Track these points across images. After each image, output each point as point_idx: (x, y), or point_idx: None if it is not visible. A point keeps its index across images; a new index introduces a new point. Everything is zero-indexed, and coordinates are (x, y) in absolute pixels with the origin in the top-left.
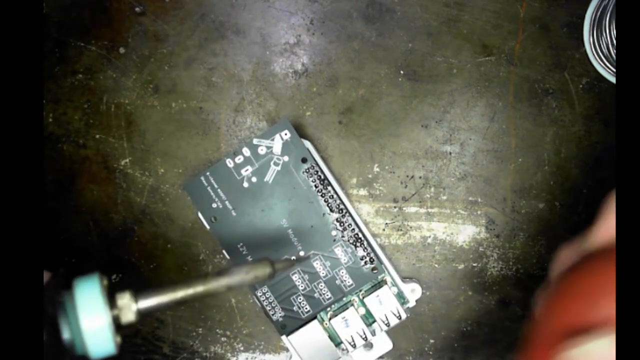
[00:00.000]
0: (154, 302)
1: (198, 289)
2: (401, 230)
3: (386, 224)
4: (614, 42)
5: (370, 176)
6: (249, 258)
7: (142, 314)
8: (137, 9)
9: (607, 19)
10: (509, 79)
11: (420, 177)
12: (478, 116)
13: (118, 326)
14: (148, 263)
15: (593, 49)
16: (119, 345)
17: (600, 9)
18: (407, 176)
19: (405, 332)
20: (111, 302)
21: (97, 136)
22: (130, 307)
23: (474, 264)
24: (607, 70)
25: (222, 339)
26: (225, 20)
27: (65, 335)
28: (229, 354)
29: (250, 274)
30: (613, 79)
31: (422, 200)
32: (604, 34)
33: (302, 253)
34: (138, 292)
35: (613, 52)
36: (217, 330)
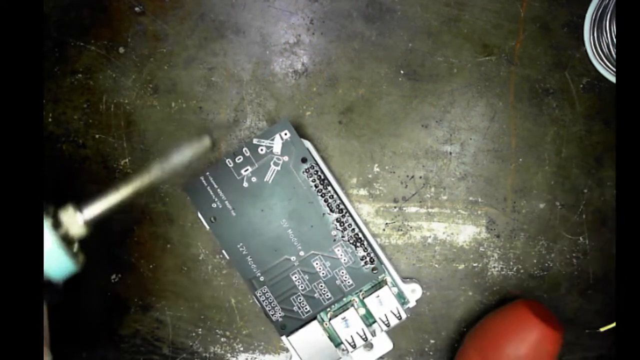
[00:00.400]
0: (98, 209)
1: (143, 181)
2: (401, 230)
3: (386, 224)
4: (615, 41)
5: (370, 176)
6: (249, 258)
7: (91, 224)
8: (136, 9)
9: (608, 18)
10: (510, 78)
11: (420, 177)
12: (478, 116)
13: (70, 241)
14: (148, 263)
15: (593, 49)
16: (80, 262)
17: (601, 9)
18: (408, 176)
19: (406, 333)
20: (55, 221)
21: (97, 136)
22: (76, 220)
23: (475, 264)
24: (607, 70)
25: (222, 339)
26: (225, 19)
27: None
28: (229, 355)
29: (188, 151)
30: (613, 79)
31: (423, 200)
32: (605, 34)
33: (302, 253)
34: (80, 204)
35: (614, 51)
36: (217, 330)
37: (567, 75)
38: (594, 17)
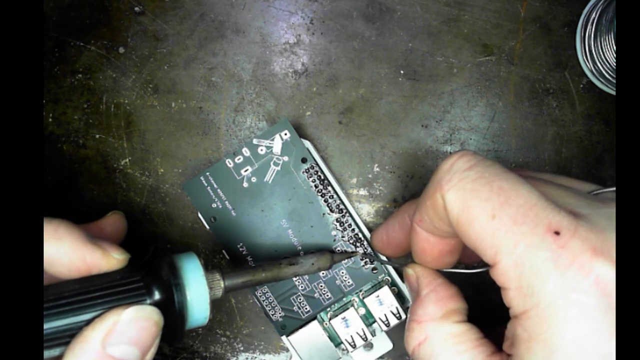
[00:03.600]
0: (238, 281)
1: (273, 273)
2: None
3: None
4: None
5: (370, 176)
6: (249, 258)
7: (226, 292)
8: (136, 9)
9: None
10: (510, 78)
11: (420, 177)
12: (478, 116)
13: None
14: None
15: (584, 58)
16: (209, 318)
17: (590, 19)
18: (408, 176)
19: None
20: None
21: (97, 136)
22: (219, 284)
23: (475, 264)
24: (599, 80)
25: (222, 339)
26: (225, 19)
27: (175, 301)
28: (229, 354)
29: (315, 264)
30: (606, 88)
31: None
32: (595, 45)
33: (302, 253)
34: (225, 272)
35: (605, 62)
36: (217, 330)
37: (567, 75)
38: (583, 23)
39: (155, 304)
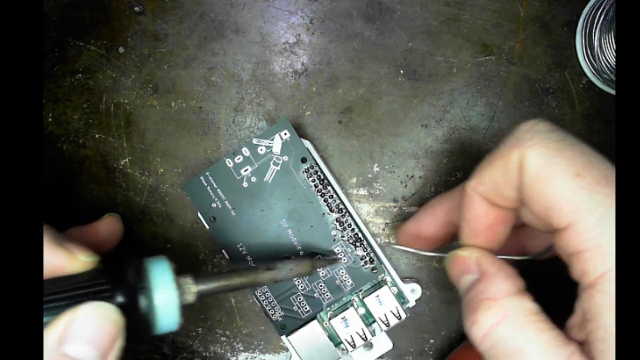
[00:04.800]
0: (212, 286)
1: (249, 278)
2: None
3: (386, 224)
4: (602, 49)
5: (370, 176)
6: (249, 258)
7: (200, 297)
8: (136, 9)
9: (598, 28)
10: (510, 78)
11: (420, 177)
12: (478, 116)
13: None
14: None
15: (585, 57)
16: (180, 324)
17: (591, 18)
18: (408, 176)
19: (406, 333)
20: (179, 282)
21: (97, 136)
22: (190, 289)
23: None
24: (599, 79)
25: (222, 339)
26: (225, 19)
27: (140, 305)
28: (229, 354)
29: (294, 270)
30: (606, 88)
31: (423, 200)
32: (595, 43)
33: (302, 253)
34: (198, 277)
35: (606, 61)
36: (217, 330)
37: (567, 75)
38: (585, 24)
39: (119, 307)
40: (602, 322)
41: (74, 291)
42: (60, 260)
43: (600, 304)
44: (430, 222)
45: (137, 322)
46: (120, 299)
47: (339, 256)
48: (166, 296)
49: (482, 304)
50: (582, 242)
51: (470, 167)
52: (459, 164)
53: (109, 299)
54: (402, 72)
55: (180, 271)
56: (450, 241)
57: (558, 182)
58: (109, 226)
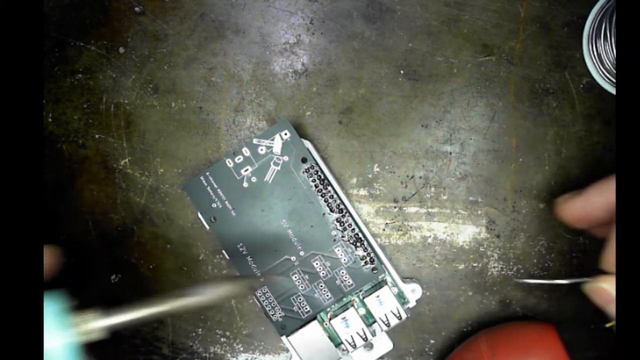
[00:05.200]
0: (120, 320)
1: (167, 307)
2: (401, 230)
3: (386, 224)
4: (613, 48)
5: (370, 176)
6: (249, 258)
7: (109, 331)
8: (136, 9)
9: (605, 26)
10: (510, 78)
11: (420, 177)
12: (478, 116)
13: (84, 343)
14: (147, 263)
15: (591, 55)
16: None
17: (600, 16)
18: (407, 176)
19: (406, 333)
20: (77, 319)
21: (97, 136)
22: (93, 325)
23: (475, 264)
24: (604, 79)
25: (222, 339)
26: (225, 19)
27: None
28: (229, 355)
29: (225, 295)
30: (610, 88)
31: (423, 200)
32: (603, 42)
33: (302, 253)
34: (106, 309)
35: (612, 59)
36: (217, 330)
37: (567, 75)
38: (592, 24)
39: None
40: None
41: None
42: None
43: None
44: (601, 206)
45: None
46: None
47: (278, 277)
48: (56, 338)
49: None
50: None
51: (471, 167)
52: (459, 164)
53: None
54: (402, 72)
55: (82, 305)
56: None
57: None
58: (47, 258)
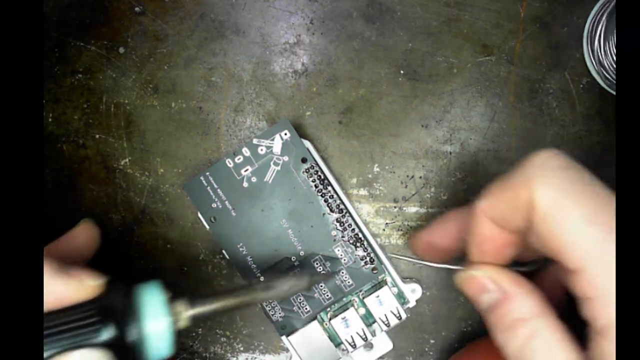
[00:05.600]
0: (205, 310)
1: (246, 298)
2: (401, 230)
3: (386, 224)
4: (612, 49)
5: (370, 176)
6: (249, 258)
7: (195, 320)
8: (136, 9)
9: (604, 27)
10: (509, 78)
11: (420, 177)
12: (478, 116)
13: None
14: (148, 263)
15: (591, 56)
16: (174, 351)
17: (598, 16)
18: (408, 176)
19: (406, 333)
20: (171, 308)
21: (97, 136)
22: (183, 315)
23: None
24: (603, 79)
25: (222, 339)
26: (225, 19)
27: (130, 336)
28: (229, 354)
29: (293, 288)
30: (612, 89)
31: (423, 200)
32: (602, 43)
33: (302, 253)
34: (193, 299)
35: (612, 60)
36: (217, 330)
37: (567, 75)
38: (592, 24)
39: (108, 343)
40: None
41: (64, 333)
42: (70, 290)
43: (609, 352)
44: (443, 234)
45: (127, 354)
46: (109, 334)
47: (338, 269)
48: (157, 325)
49: (512, 324)
50: (591, 288)
51: (470, 167)
52: (459, 164)
53: (98, 335)
54: (402, 72)
55: (177, 291)
56: (460, 254)
57: (567, 225)
58: (84, 233)
